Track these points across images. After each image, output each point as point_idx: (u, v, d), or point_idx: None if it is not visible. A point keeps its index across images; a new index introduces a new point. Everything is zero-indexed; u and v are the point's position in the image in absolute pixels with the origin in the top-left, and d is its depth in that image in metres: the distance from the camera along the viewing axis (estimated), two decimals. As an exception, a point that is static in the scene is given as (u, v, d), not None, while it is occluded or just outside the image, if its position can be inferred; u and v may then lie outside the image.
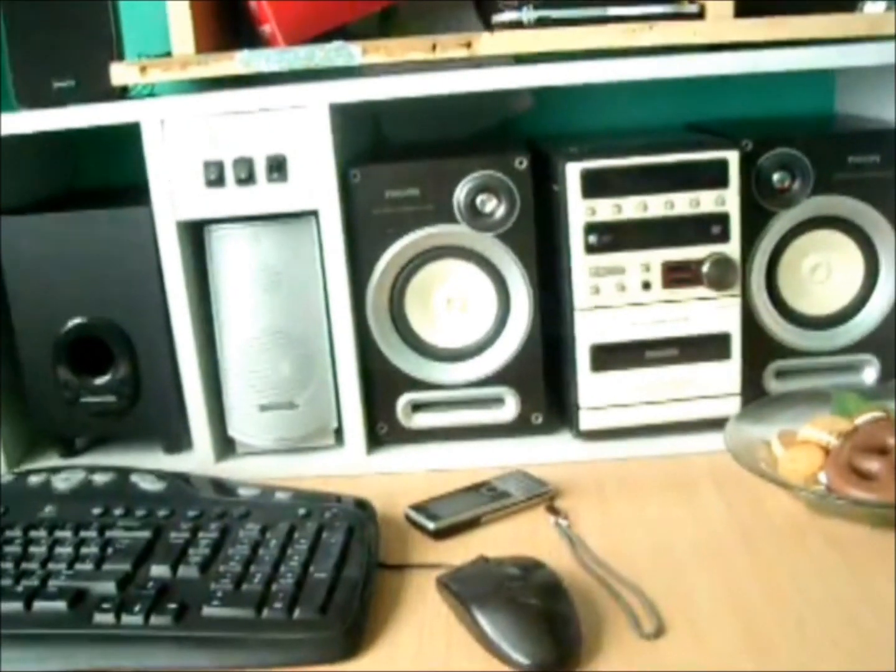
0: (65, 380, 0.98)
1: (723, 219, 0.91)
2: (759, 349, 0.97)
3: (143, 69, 0.92)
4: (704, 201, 0.91)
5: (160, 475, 0.88)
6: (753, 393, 0.97)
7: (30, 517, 0.82)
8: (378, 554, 0.80)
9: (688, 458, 0.94)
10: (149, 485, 0.87)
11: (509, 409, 0.98)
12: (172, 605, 0.71)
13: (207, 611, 0.71)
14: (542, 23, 0.91)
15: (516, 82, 0.91)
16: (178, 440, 0.99)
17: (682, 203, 0.91)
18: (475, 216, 0.93)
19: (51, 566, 0.76)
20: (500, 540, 0.83)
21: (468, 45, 0.92)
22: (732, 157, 0.90)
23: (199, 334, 0.96)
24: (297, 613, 0.70)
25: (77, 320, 0.96)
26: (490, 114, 1.13)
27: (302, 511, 0.83)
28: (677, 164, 0.90)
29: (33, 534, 0.80)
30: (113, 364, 0.97)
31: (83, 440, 1.04)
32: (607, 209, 0.91)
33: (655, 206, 0.91)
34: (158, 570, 0.75)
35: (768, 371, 0.98)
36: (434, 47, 0.92)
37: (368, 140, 1.14)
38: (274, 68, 0.92)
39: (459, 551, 0.80)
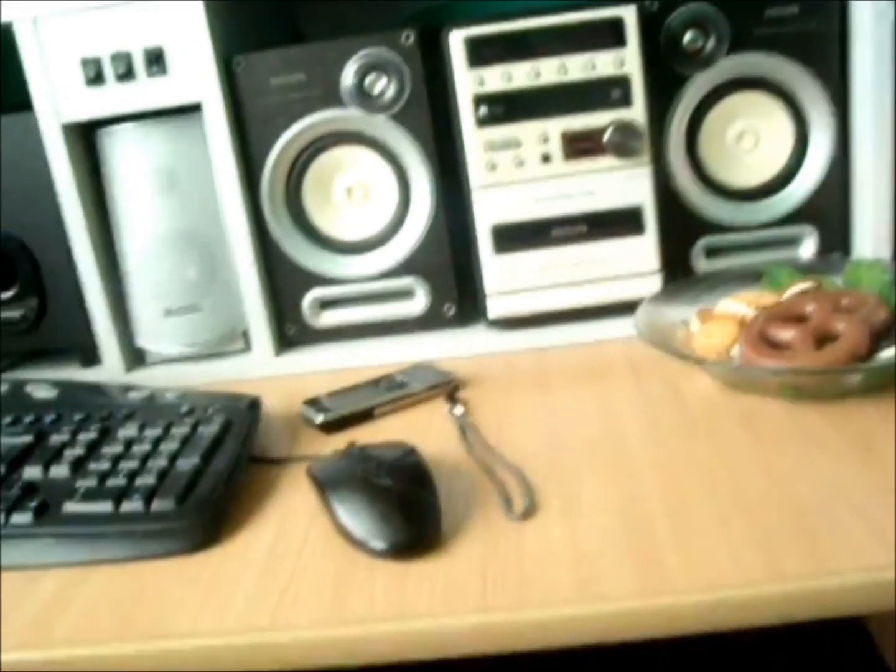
0: (-30, 295, 0.97)
1: (623, 82, 0.85)
2: (684, 225, 0.92)
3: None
4: (601, 64, 0.85)
5: (55, 384, 0.87)
6: (682, 273, 0.92)
7: None
8: (252, 447, 0.78)
9: (605, 344, 0.90)
10: (42, 392, 0.86)
11: (419, 301, 0.94)
12: (33, 504, 0.70)
13: (69, 507, 0.70)
14: None
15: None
16: (91, 353, 0.98)
17: (576, 67, 0.85)
18: (365, 98, 0.89)
19: None
20: (391, 431, 0.81)
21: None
22: (629, 14, 0.84)
23: (97, 242, 0.94)
24: (154, 505, 0.69)
25: (-24, 235, 0.95)
26: (405, 7, 1.09)
27: (184, 409, 0.81)
28: (568, 26, 0.85)
29: None
30: (16, 278, 0.96)
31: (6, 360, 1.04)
32: (496, 78, 0.86)
33: (548, 71, 0.85)
34: (31, 472, 0.75)
35: (696, 249, 0.93)
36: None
37: (280, 38, 1.10)
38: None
39: (342, 444, 0.77)
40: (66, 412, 0.83)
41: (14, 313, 0.97)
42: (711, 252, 0.93)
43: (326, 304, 0.96)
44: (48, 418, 0.82)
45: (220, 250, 0.94)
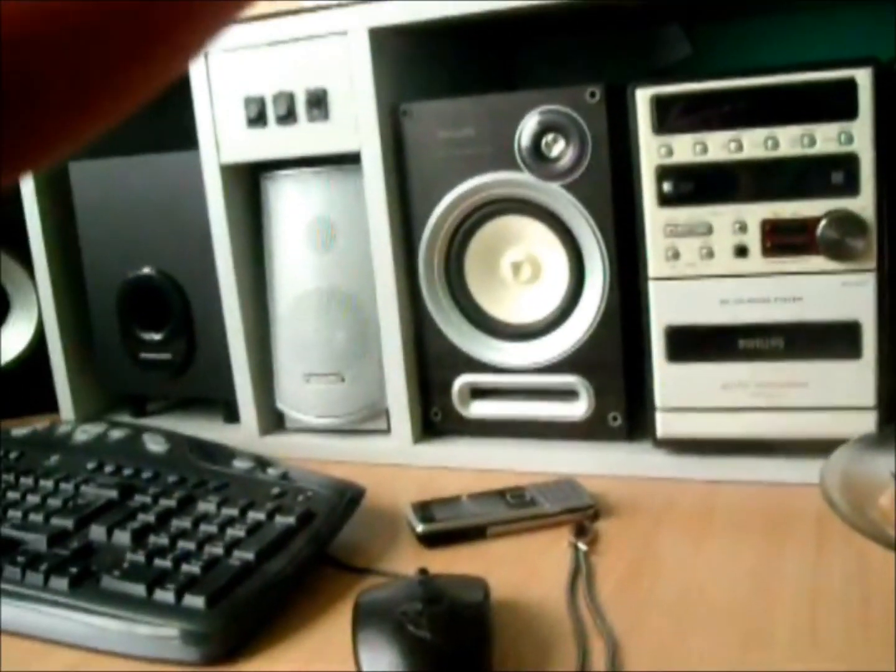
0: (126, 334, 0.96)
1: (848, 162, 0.68)
2: (922, 353, 0.72)
3: (214, 5, 0.88)
4: (822, 138, 0.68)
5: (169, 437, 0.84)
6: (911, 412, 0.72)
7: (32, 464, 0.82)
8: (327, 547, 0.69)
9: (794, 489, 0.72)
10: (154, 446, 0.83)
11: (581, 404, 0.81)
12: (74, 570, 0.65)
13: (105, 581, 0.64)
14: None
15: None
16: (233, 409, 0.93)
17: (789, 140, 0.69)
18: (539, 162, 0.77)
19: (10, 513, 0.74)
20: (497, 557, 0.69)
21: (552, -45, 0.77)
22: (863, 77, 0.67)
23: (247, 290, 0.90)
24: (185, 600, 0.61)
25: (139, 271, 0.93)
26: (643, 64, 0.96)
27: (276, 490, 0.73)
28: (781, 87, 0.69)
29: (22, 480, 0.79)
30: (168, 319, 0.93)
31: (157, 404, 1.03)
32: (687, 148, 0.71)
33: (752, 144, 0.70)
34: (96, 532, 0.71)
35: (936, 383, 0.72)
36: (511, -38, 0.78)
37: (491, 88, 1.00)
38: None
39: (439, 562, 0.66)
40: (164, 471, 0.79)
41: (163, 355, 0.94)
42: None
43: (478, 392, 0.85)
44: (145, 474, 0.79)
45: (374, 317, 0.86)
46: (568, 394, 0.82)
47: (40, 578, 0.65)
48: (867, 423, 0.72)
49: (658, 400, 0.76)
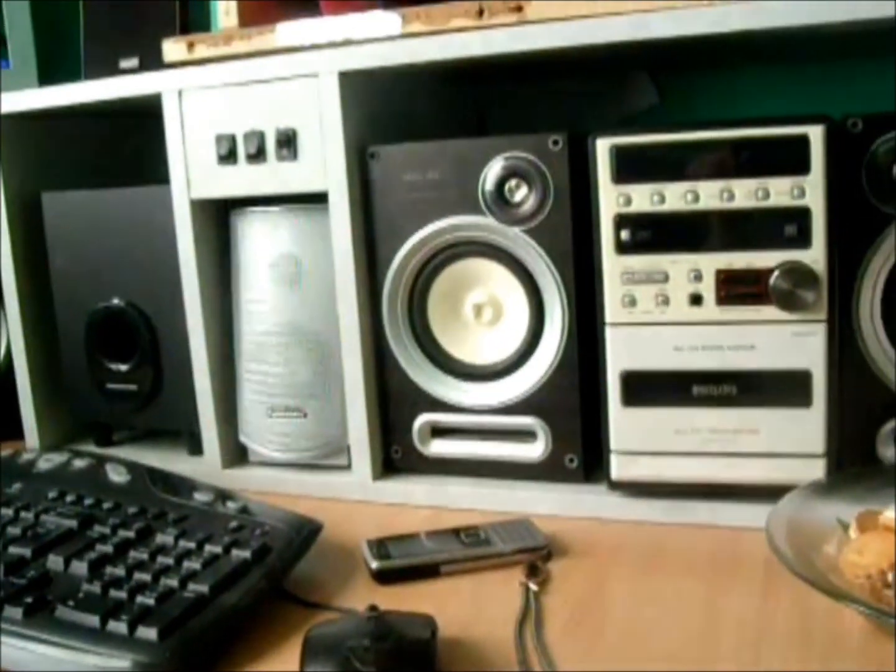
0: (93, 363, 0.97)
1: (801, 215, 0.70)
2: (871, 401, 0.73)
3: (190, 45, 0.90)
4: (776, 191, 0.70)
5: (131, 467, 0.84)
6: (862, 461, 0.73)
7: None
8: (282, 581, 0.70)
9: (744, 533, 0.74)
10: (116, 476, 0.84)
11: (539, 445, 0.82)
12: (28, 599, 0.65)
13: (60, 611, 0.64)
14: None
15: (567, 39, 0.75)
16: (197, 442, 0.94)
17: (744, 193, 0.71)
18: (502, 206, 0.79)
19: None
20: (449, 595, 0.70)
21: (518, 9, 0.79)
22: (815, 134, 0.69)
23: (213, 324, 0.91)
24: (138, 632, 0.62)
25: (108, 302, 0.94)
26: (611, 111, 0.98)
27: (234, 524, 0.74)
28: (738, 141, 0.71)
29: None
30: (137, 351, 0.94)
31: (122, 434, 1.03)
32: (645, 198, 0.73)
33: (708, 195, 0.72)
34: (53, 562, 0.70)
35: (884, 432, 0.73)
36: (481, 12, 0.80)
37: (461, 130, 1.04)
38: (315, 41, 0.85)
39: (392, 599, 0.67)
40: (125, 502, 0.80)
41: (130, 386, 0.95)
42: (904, 440, 0.75)
43: (438, 431, 0.86)
44: (106, 504, 0.79)
45: (337, 354, 0.87)
46: (526, 435, 0.83)
47: (-6, 607, 0.66)
48: (817, 469, 0.73)
49: (613, 443, 0.78)
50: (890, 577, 0.61)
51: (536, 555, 0.73)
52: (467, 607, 0.67)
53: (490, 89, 1.11)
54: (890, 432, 0.74)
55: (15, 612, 0.65)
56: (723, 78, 1.04)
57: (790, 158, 0.70)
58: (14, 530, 0.75)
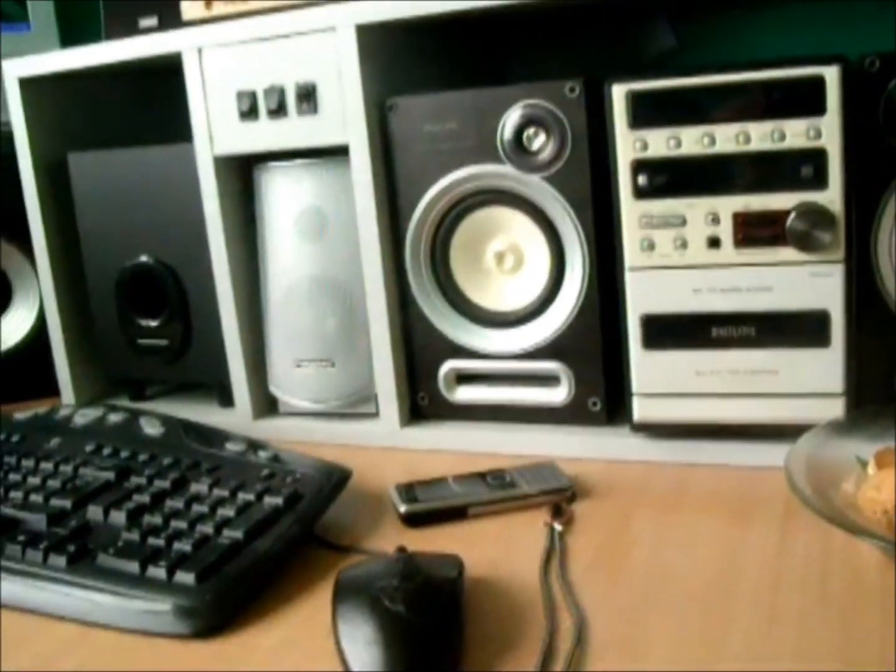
0: (124, 320, 0.99)
1: (817, 156, 0.70)
2: (889, 340, 0.74)
3: (208, 2, 0.90)
4: (792, 133, 0.70)
5: (165, 420, 0.87)
6: (884, 399, 0.74)
7: (34, 447, 0.85)
8: (314, 527, 0.72)
9: (765, 472, 0.75)
10: (150, 429, 0.86)
11: (562, 390, 0.84)
12: (72, 548, 0.68)
13: (101, 559, 0.67)
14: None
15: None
16: (228, 394, 0.96)
17: (760, 135, 0.71)
18: (521, 155, 0.80)
19: (12, 494, 0.77)
20: (476, 537, 0.71)
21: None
22: (831, 75, 0.69)
23: (241, 279, 0.93)
24: (176, 576, 0.64)
25: (137, 259, 0.96)
26: (629, 56, 0.98)
27: (265, 472, 0.76)
28: (752, 84, 0.71)
29: (24, 462, 0.82)
30: (165, 306, 0.96)
31: (155, 388, 1.06)
32: (661, 142, 0.73)
33: (724, 138, 0.72)
34: (93, 512, 0.74)
35: (904, 369, 0.74)
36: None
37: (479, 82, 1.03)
38: (332, -7, 0.85)
39: (420, 541, 0.69)
40: (160, 453, 0.82)
41: (160, 341, 0.97)
42: (925, 377, 0.75)
43: (463, 377, 0.88)
44: (142, 457, 0.82)
45: (362, 305, 0.88)
46: (549, 379, 0.85)
47: (40, 556, 0.68)
48: (836, 408, 0.74)
49: (635, 386, 0.79)
50: (907, 511, 0.63)
51: (561, 496, 0.75)
52: (494, 548, 0.69)
53: (508, 38, 1.11)
54: (908, 370, 0.75)
55: (59, 561, 0.68)
56: (741, 20, 1.03)
57: (806, 100, 0.70)
58: (54, 483, 0.78)
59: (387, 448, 0.89)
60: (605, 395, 0.83)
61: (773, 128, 0.71)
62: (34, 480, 0.79)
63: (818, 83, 0.70)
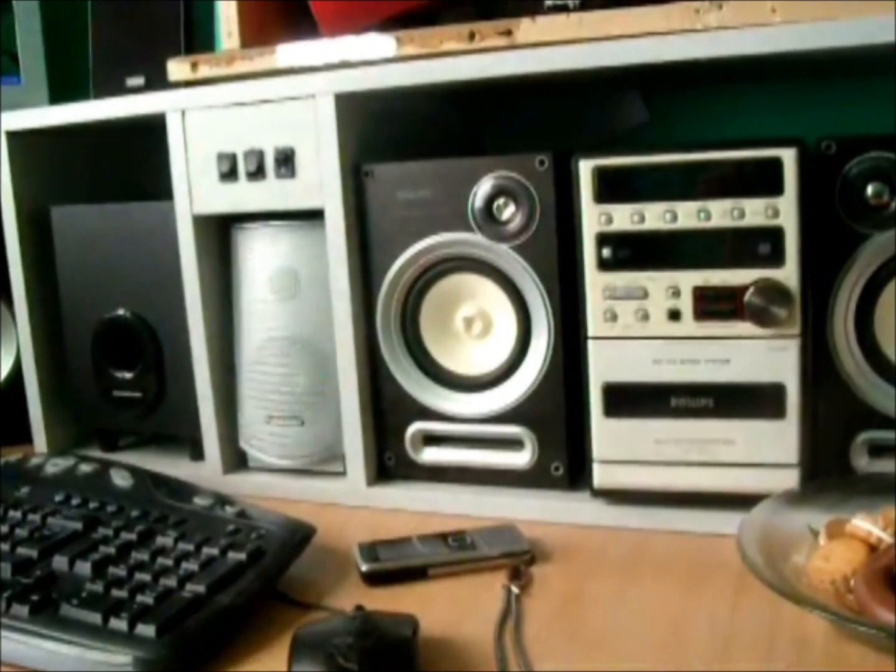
0: (99, 371, 1.01)
1: (774, 235, 0.73)
2: (845, 413, 0.76)
3: (193, 65, 0.93)
4: (750, 211, 0.73)
5: (135, 472, 0.88)
6: (838, 471, 0.77)
7: (4, 495, 0.87)
8: (276, 583, 0.73)
9: (721, 540, 0.75)
10: (120, 480, 0.88)
11: (526, 453, 0.86)
12: (35, 597, 0.69)
13: (64, 609, 0.68)
14: (587, 5, 0.79)
15: (559, 64, 0.79)
16: (199, 448, 0.97)
17: (720, 213, 0.74)
18: (491, 224, 0.82)
19: None
20: (434, 597, 0.73)
21: (508, 33, 0.82)
22: (788, 157, 0.72)
23: (215, 335, 0.95)
24: (137, 629, 0.65)
25: (114, 312, 0.98)
26: (601, 129, 1.01)
27: (230, 527, 0.78)
28: (713, 164, 0.74)
29: None
30: (140, 359, 0.98)
31: (127, 439, 1.07)
32: (625, 217, 0.76)
33: (686, 215, 0.75)
34: (58, 562, 0.74)
35: (857, 443, 0.76)
36: (472, 36, 0.84)
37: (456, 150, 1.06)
38: (313, 62, 0.88)
39: (380, 600, 0.70)
40: (128, 505, 0.83)
41: (134, 393, 0.99)
42: (875, 449, 0.77)
43: (430, 439, 0.90)
44: (110, 508, 0.83)
45: (333, 365, 0.90)
46: (514, 443, 0.87)
47: (3, 604, 0.68)
48: (791, 479, 0.76)
49: (595, 452, 0.81)
50: (853, 582, 0.65)
51: (520, 559, 0.76)
52: (451, 608, 0.70)
53: (484, 107, 1.14)
54: (863, 443, 0.77)
55: (21, 610, 0.68)
56: (710, 96, 1.07)
57: (764, 180, 0.73)
58: (22, 532, 0.79)
59: (353, 506, 0.91)
60: (567, 460, 0.85)
61: (733, 206, 0.74)
62: (2, 528, 0.79)
63: (776, 164, 0.73)
